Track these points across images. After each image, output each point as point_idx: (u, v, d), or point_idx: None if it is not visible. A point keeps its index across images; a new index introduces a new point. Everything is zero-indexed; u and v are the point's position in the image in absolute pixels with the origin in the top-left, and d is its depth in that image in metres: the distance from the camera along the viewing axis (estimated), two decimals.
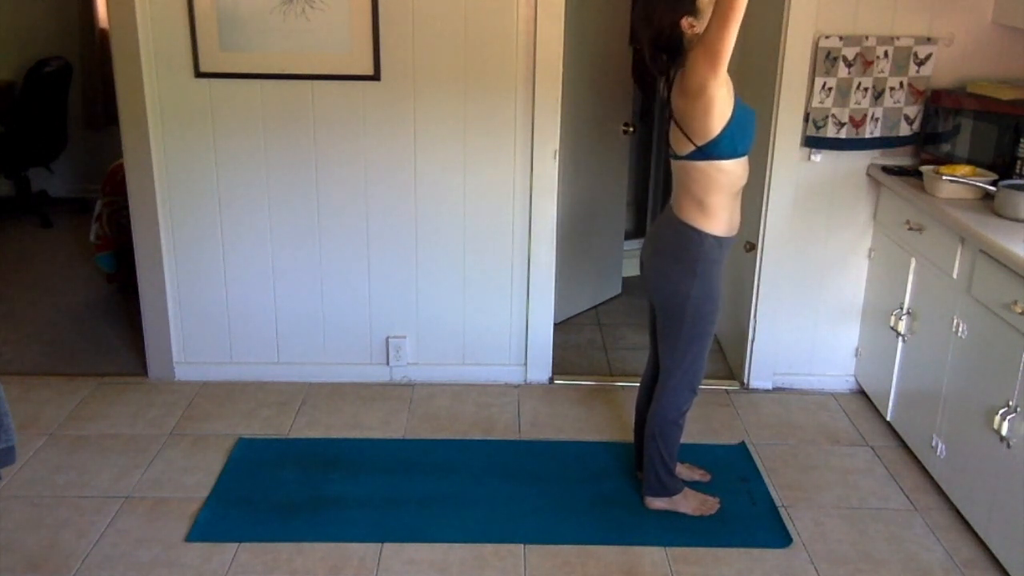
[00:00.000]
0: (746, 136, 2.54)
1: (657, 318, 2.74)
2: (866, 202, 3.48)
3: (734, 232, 2.63)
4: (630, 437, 3.23)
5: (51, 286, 4.74)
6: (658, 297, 2.68)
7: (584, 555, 2.65)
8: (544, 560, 2.63)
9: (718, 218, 2.56)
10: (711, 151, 2.49)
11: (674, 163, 2.60)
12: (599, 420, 3.43)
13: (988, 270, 2.63)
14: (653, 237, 2.71)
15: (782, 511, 2.89)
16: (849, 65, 3.24)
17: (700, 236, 2.56)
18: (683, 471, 3.00)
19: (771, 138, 3.39)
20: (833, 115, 3.30)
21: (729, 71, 4.17)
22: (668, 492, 2.83)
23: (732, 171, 2.53)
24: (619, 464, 3.11)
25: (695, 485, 2.96)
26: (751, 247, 3.61)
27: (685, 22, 2.48)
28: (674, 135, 2.55)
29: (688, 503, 2.84)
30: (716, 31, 2.39)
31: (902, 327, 3.17)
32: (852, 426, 3.43)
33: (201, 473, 3.03)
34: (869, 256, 3.52)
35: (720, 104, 2.44)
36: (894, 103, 3.30)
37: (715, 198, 2.54)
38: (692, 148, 2.49)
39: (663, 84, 2.61)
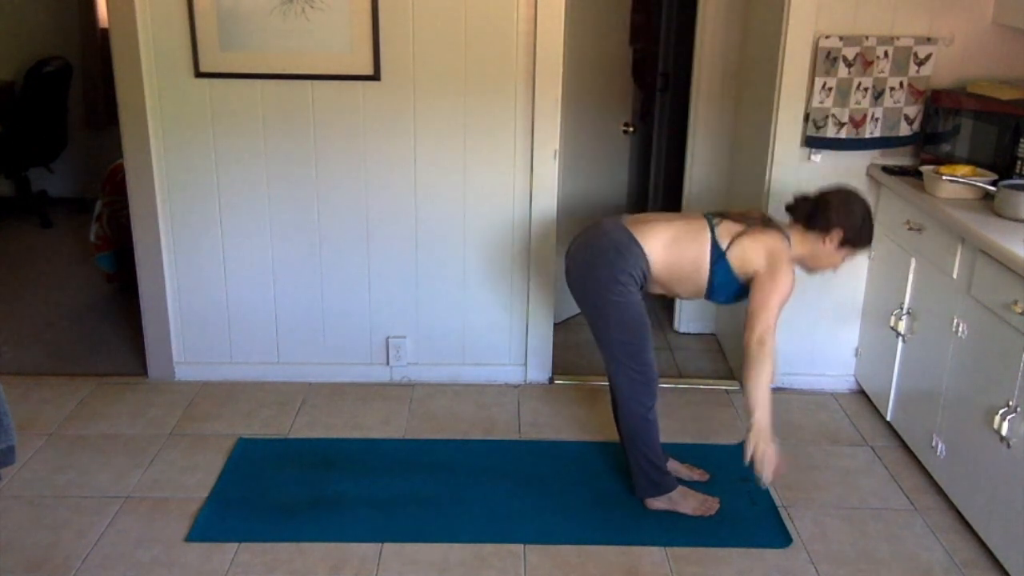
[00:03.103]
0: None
1: (586, 316, 2.76)
2: None
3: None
4: None
5: (51, 286, 4.74)
6: (588, 283, 2.69)
7: (584, 555, 2.65)
8: (544, 560, 2.63)
9: (664, 266, 2.68)
10: (715, 279, 2.66)
11: (692, 232, 2.68)
12: (599, 420, 3.43)
13: (988, 270, 2.63)
14: (595, 237, 2.72)
15: (782, 511, 2.89)
16: (849, 65, 3.24)
17: (645, 257, 2.64)
18: (682, 471, 3.00)
19: (771, 138, 3.39)
20: (833, 115, 3.30)
21: (731, 71, 4.20)
22: (662, 490, 2.83)
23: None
24: (619, 464, 3.11)
25: (694, 485, 2.96)
26: None
27: (836, 234, 2.64)
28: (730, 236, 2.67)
29: (688, 503, 2.83)
30: (757, 307, 2.58)
31: (902, 327, 3.17)
32: (852, 426, 3.43)
33: (201, 473, 3.03)
34: (869, 256, 3.52)
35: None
36: (894, 103, 3.30)
37: (681, 273, 2.69)
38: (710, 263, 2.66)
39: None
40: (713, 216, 2.73)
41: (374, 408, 3.50)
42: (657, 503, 2.84)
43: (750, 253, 2.62)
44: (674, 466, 2.98)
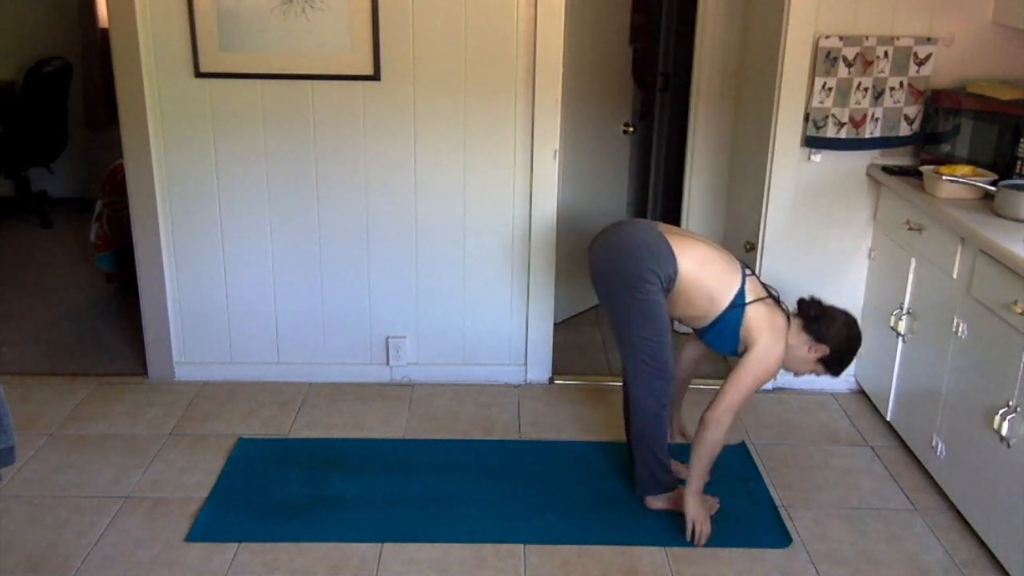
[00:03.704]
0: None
1: (609, 310, 2.76)
2: (866, 202, 3.48)
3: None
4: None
5: (51, 286, 4.74)
6: (614, 276, 2.70)
7: (584, 555, 2.66)
8: (544, 560, 2.63)
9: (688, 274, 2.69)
10: (722, 322, 2.69)
11: (722, 263, 2.72)
12: (599, 420, 3.43)
13: (988, 270, 2.63)
14: (627, 235, 2.74)
15: (782, 511, 2.89)
16: (849, 65, 3.24)
17: (675, 264, 2.65)
18: (683, 471, 3.00)
19: (771, 138, 3.39)
20: (833, 115, 3.30)
21: (731, 71, 4.21)
22: (664, 488, 2.83)
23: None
24: (619, 464, 3.11)
25: None
26: (751, 247, 3.61)
27: (821, 349, 2.71)
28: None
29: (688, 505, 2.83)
30: (732, 386, 2.65)
31: (902, 327, 3.17)
32: (852, 426, 3.43)
33: (201, 473, 3.03)
34: (869, 256, 3.52)
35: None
36: (894, 103, 3.30)
37: (700, 297, 2.71)
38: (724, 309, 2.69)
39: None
40: (747, 267, 2.77)
41: (374, 408, 3.50)
42: (657, 502, 2.84)
43: (763, 321, 2.67)
44: (675, 466, 2.98)
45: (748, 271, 2.75)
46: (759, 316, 2.67)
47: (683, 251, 2.67)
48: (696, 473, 2.70)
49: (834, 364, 2.75)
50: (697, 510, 2.71)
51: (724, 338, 2.72)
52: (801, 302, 2.78)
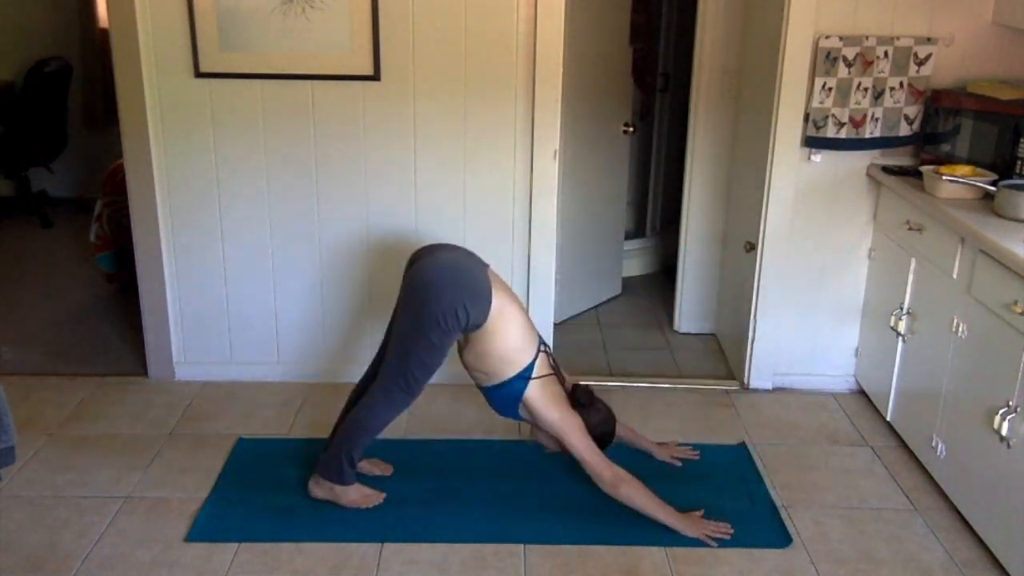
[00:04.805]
0: None
1: (406, 314, 2.73)
2: (866, 202, 3.48)
3: None
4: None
5: (51, 286, 4.74)
6: (429, 292, 2.66)
7: (584, 555, 2.65)
8: (544, 560, 2.63)
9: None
10: (509, 387, 2.77)
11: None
12: None
13: (988, 270, 2.63)
14: (457, 258, 2.75)
15: (782, 511, 2.89)
16: (849, 65, 3.24)
17: (487, 314, 2.68)
18: (365, 465, 3.02)
19: (771, 138, 3.39)
20: (833, 115, 3.30)
21: (731, 71, 4.21)
22: (340, 480, 2.82)
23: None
24: (618, 464, 3.10)
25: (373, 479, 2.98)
26: (751, 247, 3.61)
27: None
28: None
29: (349, 496, 2.83)
30: (586, 460, 2.76)
31: (902, 327, 3.17)
32: (852, 426, 3.43)
33: (201, 473, 3.03)
34: (869, 256, 3.52)
35: None
36: (894, 103, 3.30)
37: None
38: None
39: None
40: (543, 344, 2.83)
41: None
42: (319, 490, 2.83)
43: (548, 397, 2.76)
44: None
45: (544, 347, 2.81)
46: (544, 392, 2.75)
47: (500, 304, 2.69)
48: (657, 515, 2.73)
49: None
50: (689, 526, 2.73)
51: (504, 404, 2.79)
52: (575, 387, 2.87)
